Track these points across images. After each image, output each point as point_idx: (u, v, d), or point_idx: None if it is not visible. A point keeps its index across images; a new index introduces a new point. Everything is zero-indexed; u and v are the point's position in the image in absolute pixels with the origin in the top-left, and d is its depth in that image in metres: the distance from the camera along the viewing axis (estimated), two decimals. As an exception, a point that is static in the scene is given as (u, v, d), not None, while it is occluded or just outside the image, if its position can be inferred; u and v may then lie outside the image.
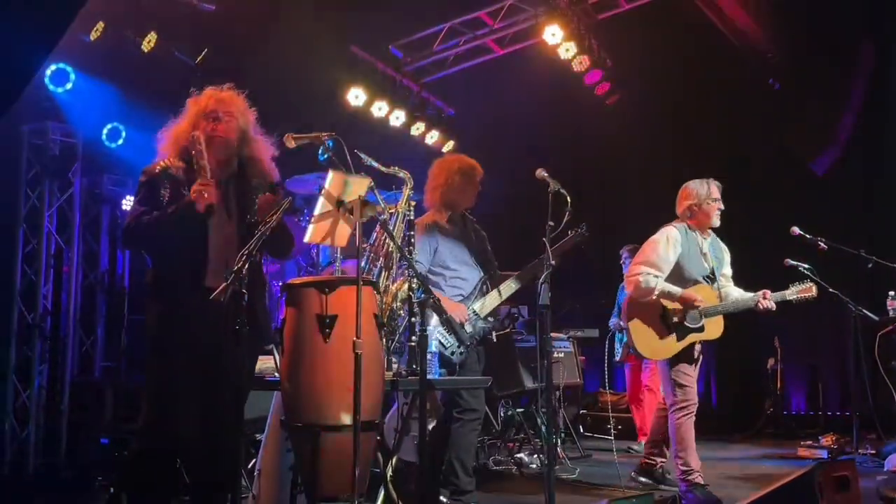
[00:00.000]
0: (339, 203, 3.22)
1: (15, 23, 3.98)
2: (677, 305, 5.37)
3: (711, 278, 5.54)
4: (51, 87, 6.87)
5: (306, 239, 3.30)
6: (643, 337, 5.44)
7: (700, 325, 5.40)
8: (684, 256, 5.47)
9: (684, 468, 5.25)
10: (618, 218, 10.69)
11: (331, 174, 3.22)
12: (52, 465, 6.64)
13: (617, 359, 8.61)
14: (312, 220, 3.25)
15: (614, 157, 10.53)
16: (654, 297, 5.37)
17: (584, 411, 9.86)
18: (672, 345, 5.38)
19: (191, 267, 3.52)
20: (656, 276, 5.36)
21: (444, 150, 10.35)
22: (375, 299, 3.68)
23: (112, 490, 4.46)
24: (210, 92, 3.79)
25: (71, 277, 7.09)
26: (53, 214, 7.06)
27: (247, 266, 2.99)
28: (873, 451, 7.40)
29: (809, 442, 8.34)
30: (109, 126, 7.60)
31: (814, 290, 5.50)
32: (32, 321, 6.81)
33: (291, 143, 3.65)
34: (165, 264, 3.65)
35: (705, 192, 5.54)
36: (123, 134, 7.62)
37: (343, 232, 3.32)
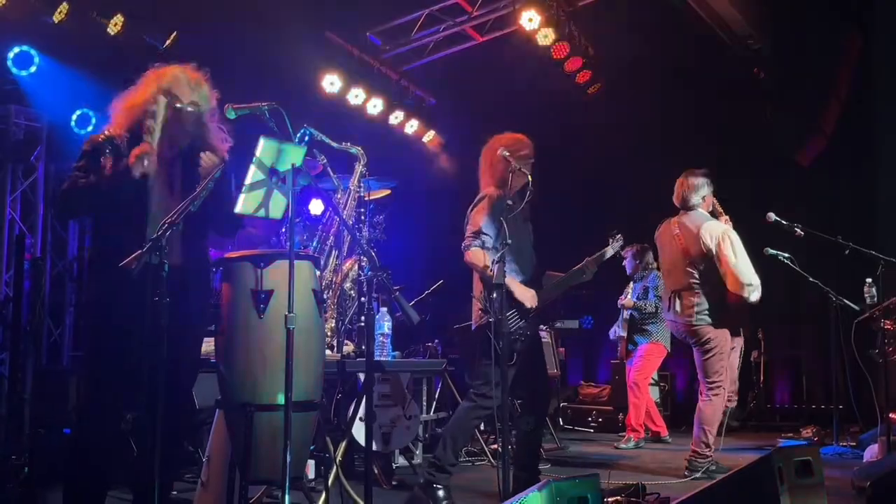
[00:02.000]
0: (272, 172, 3.09)
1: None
2: None
3: None
4: (14, 70, 6.72)
5: (237, 209, 3.16)
6: None
7: None
8: None
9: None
10: (600, 207, 10.60)
11: (262, 141, 3.08)
12: (13, 455, 6.48)
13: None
14: (243, 189, 3.11)
15: (597, 146, 10.41)
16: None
17: (565, 404, 9.74)
18: None
19: (129, 243, 3.36)
20: None
21: (425, 139, 10.24)
22: (315, 275, 3.54)
23: (26, 470, 4.33)
24: (177, 71, 3.61)
25: (35, 264, 6.95)
26: (17, 200, 6.92)
27: (166, 235, 2.85)
28: (853, 443, 7.32)
29: (790, 434, 8.27)
30: (79, 112, 7.45)
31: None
32: (-7, 308, 6.69)
33: (232, 114, 3.53)
34: (105, 240, 3.51)
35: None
36: (93, 120, 7.46)
37: (278, 203, 3.18)
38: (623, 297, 8.38)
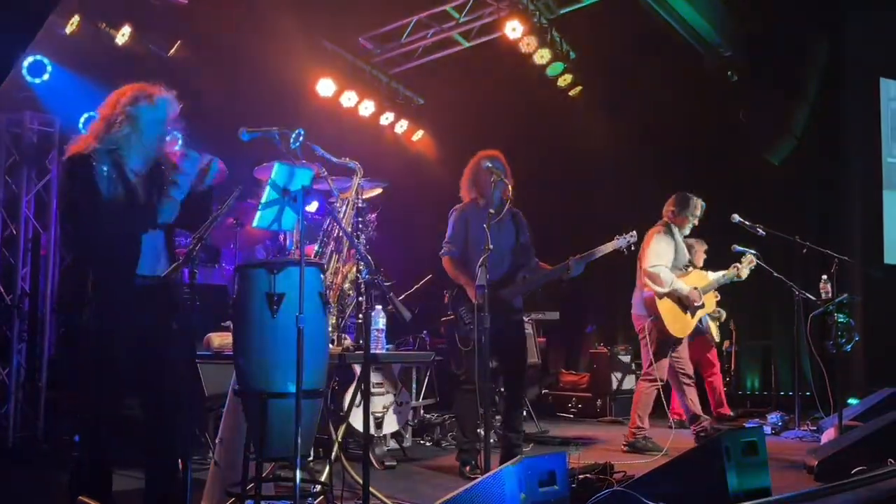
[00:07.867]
0: (285, 192, 3.56)
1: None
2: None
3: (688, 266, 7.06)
4: (28, 78, 7.11)
5: (254, 224, 3.63)
6: (672, 319, 6.73)
7: (702, 302, 6.93)
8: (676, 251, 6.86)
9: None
10: (582, 207, 11.05)
11: (276, 165, 3.55)
12: (30, 438, 6.94)
13: None
14: (259, 206, 3.59)
15: (579, 148, 10.84)
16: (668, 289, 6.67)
17: (547, 391, 10.24)
18: (690, 322, 6.86)
19: (124, 259, 3.75)
20: (667, 268, 6.71)
21: (414, 138, 10.69)
22: (321, 280, 4.02)
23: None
24: (136, 87, 3.92)
25: (48, 260, 7.37)
26: (31, 200, 7.32)
27: (198, 246, 3.33)
28: (814, 427, 7.84)
29: (757, 419, 8.77)
30: (86, 115, 7.82)
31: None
32: (11, 302, 7.09)
33: (246, 136, 3.98)
34: (100, 261, 3.77)
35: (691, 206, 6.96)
36: (99, 122, 7.84)
37: (289, 217, 3.65)
38: None
